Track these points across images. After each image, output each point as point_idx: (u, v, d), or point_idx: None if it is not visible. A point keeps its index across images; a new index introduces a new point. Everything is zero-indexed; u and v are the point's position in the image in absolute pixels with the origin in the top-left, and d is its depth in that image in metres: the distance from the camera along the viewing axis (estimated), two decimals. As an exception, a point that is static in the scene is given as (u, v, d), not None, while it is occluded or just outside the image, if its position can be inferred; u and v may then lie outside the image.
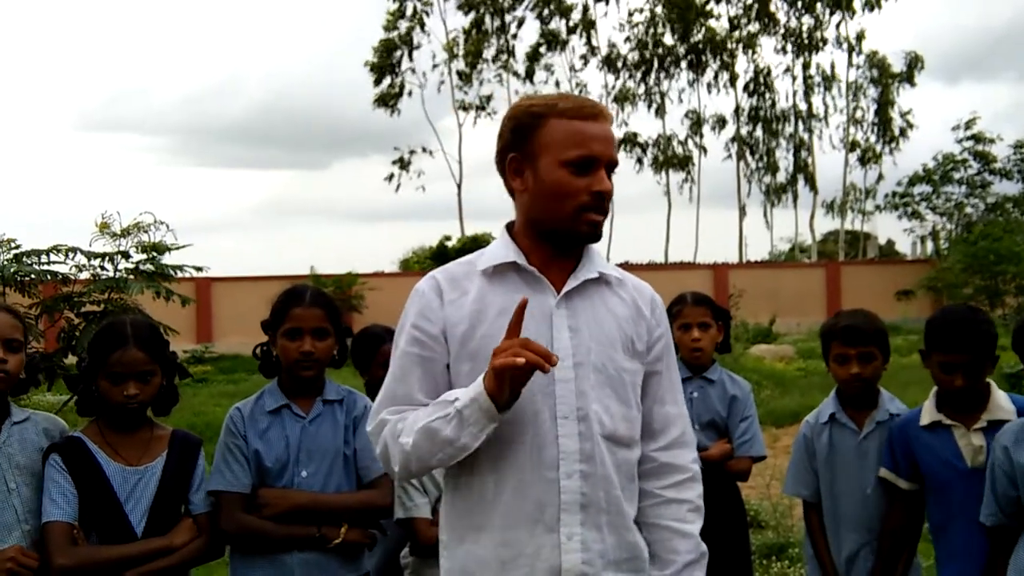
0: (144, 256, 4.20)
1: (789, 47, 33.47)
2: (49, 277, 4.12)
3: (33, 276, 4.06)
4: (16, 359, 2.23)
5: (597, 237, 1.78)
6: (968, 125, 28.49)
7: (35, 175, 55.54)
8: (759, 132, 34.73)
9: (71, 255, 4.08)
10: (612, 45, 34.14)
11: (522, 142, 1.77)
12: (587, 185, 1.72)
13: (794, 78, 33.84)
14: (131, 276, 4.13)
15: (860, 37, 33.07)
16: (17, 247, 4.13)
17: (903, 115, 33.82)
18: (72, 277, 4.18)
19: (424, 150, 33.42)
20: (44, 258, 4.08)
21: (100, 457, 2.24)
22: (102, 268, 4.16)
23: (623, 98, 34.29)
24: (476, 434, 1.63)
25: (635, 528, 1.79)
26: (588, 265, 1.80)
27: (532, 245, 1.79)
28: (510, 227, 1.84)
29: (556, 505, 1.70)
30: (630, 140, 34.79)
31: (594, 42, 33.77)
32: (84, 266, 4.13)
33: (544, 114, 1.75)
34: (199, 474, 2.35)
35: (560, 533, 1.69)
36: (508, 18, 33.11)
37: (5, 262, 4.03)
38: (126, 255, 4.19)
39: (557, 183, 1.73)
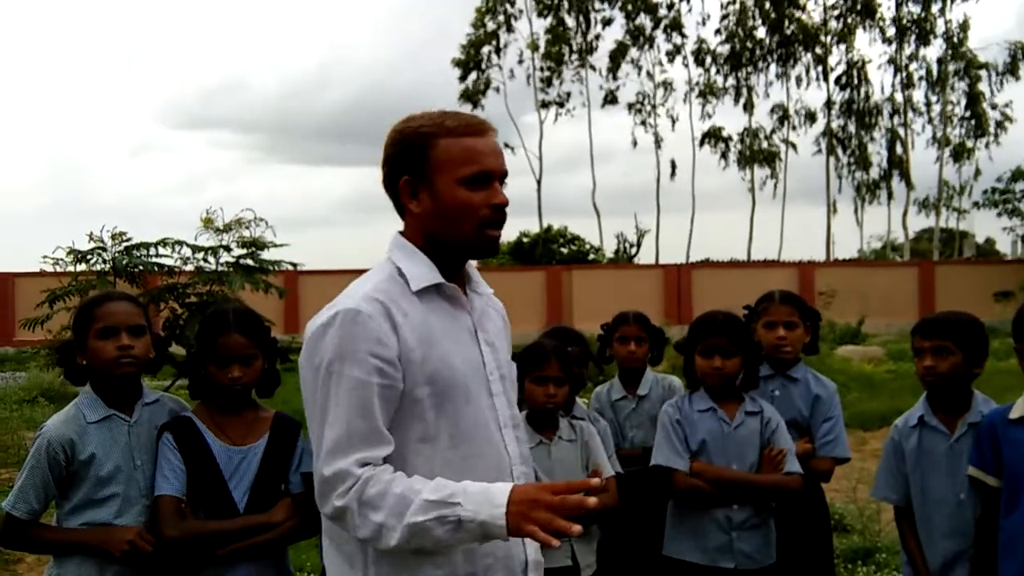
0: (244, 251, 4.40)
1: (892, 37, 32.19)
2: (156, 269, 4.35)
3: (142, 267, 4.30)
4: (142, 343, 2.39)
5: (495, 251, 1.83)
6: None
7: (131, 169, 58.27)
8: (851, 126, 33.61)
9: (177, 248, 4.31)
10: (701, 40, 33.61)
11: (414, 164, 1.76)
12: (485, 200, 1.74)
13: (897, 70, 32.57)
14: (231, 269, 4.34)
15: (964, 27, 31.61)
16: (128, 240, 4.38)
17: (999, 108, 32.17)
18: (177, 269, 4.41)
19: (507, 146, 33.64)
20: (152, 251, 4.31)
21: (208, 437, 2.37)
22: (205, 261, 4.37)
23: (708, 92, 33.71)
24: (466, 541, 1.60)
25: None
26: (476, 279, 1.89)
27: (439, 263, 1.80)
28: (406, 241, 1.81)
29: None
30: (714, 135, 34.19)
31: (680, 38, 33.29)
32: (189, 259, 4.35)
33: (434, 134, 1.75)
34: (298, 455, 2.46)
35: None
36: (593, 17, 32.98)
37: (117, 254, 4.28)
38: (227, 249, 4.40)
39: (457, 201, 1.74)
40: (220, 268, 4.40)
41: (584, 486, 1.54)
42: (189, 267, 4.47)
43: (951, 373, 2.66)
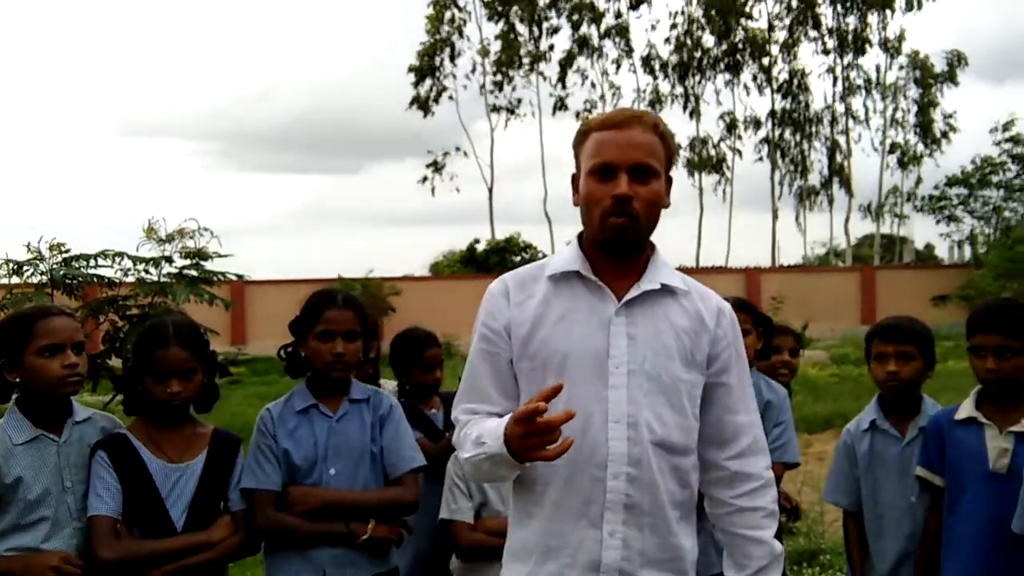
0: (188, 261, 4.31)
1: (831, 47, 33.08)
2: (96, 280, 4.24)
3: (81, 279, 4.19)
4: (84, 360, 2.34)
5: (622, 240, 1.80)
6: (1006, 127, 27.94)
7: (81, 180, 56.77)
8: (793, 134, 34.39)
9: (118, 259, 4.20)
10: (651, 45, 34.07)
11: (576, 161, 1.88)
12: (608, 191, 1.78)
13: (835, 79, 33.46)
14: (174, 281, 4.25)
15: (901, 37, 32.64)
16: (67, 251, 4.26)
17: (946, 117, 33.29)
18: (118, 281, 4.30)
19: (458, 150, 33.66)
20: (92, 262, 4.20)
21: (144, 454, 2.32)
22: (147, 272, 4.28)
23: (656, 100, 34.17)
24: (511, 470, 1.74)
25: (681, 531, 1.84)
26: (652, 276, 1.84)
27: (596, 255, 1.85)
28: (580, 236, 1.91)
29: (601, 503, 1.77)
30: (662, 143, 34.55)
31: (629, 46, 33.70)
32: (130, 270, 4.25)
33: (587, 131, 1.86)
34: (238, 472, 2.42)
35: (603, 529, 1.77)
36: (543, 25, 33.20)
37: (55, 265, 4.16)
38: (170, 260, 4.31)
39: (587, 193, 1.82)
40: (163, 279, 4.29)
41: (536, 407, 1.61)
42: (131, 278, 4.35)
43: (913, 378, 2.71)
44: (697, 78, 33.88)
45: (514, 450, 1.65)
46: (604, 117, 1.86)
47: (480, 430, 1.76)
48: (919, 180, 33.19)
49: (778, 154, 34.26)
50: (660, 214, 1.86)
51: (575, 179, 1.89)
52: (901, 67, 33.18)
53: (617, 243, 1.81)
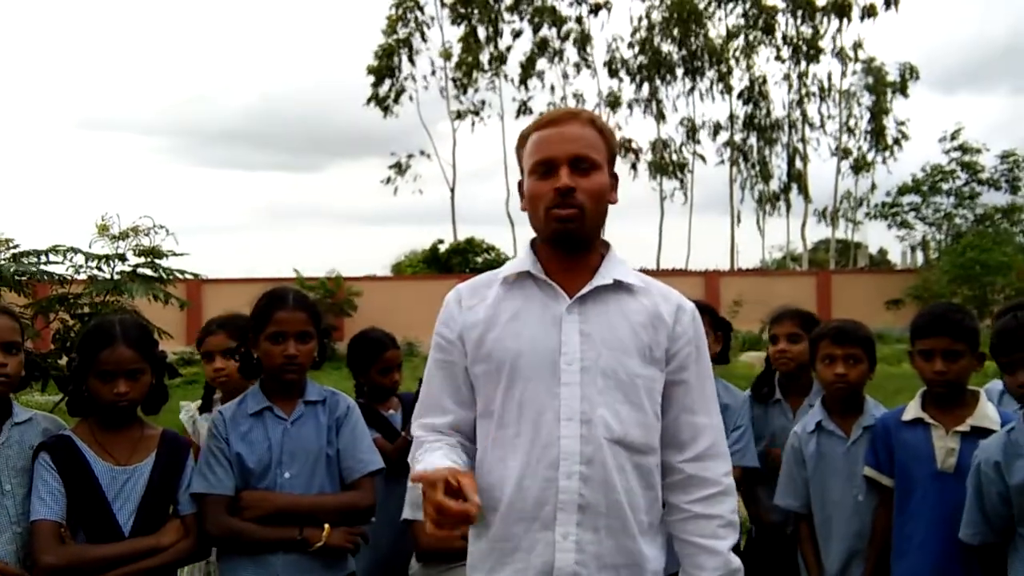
0: (142, 260, 4.20)
1: (786, 55, 33.65)
2: (46, 278, 4.11)
3: (30, 276, 4.06)
4: (15, 361, 2.25)
5: (569, 232, 1.78)
6: (954, 136, 28.66)
7: (34, 174, 55.34)
8: (753, 140, 34.90)
9: (70, 256, 4.08)
10: (614, 49, 34.28)
11: (520, 166, 1.88)
12: (550, 186, 1.78)
13: (790, 86, 34.03)
14: (128, 279, 4.14)
15: (857, 46, 33.28)
16: (16, 247, 4.12)
17: (898, 125, 34.04)
18: (70, 278, 4.18)
19: (422, 153, 33.53)
20: (43, 258, 4.07)
21: (89, 456, 2.26)
22: (99, 270, 4.16)
23: (616, 103, 34.40)
24: None
25: (640, 535, 1.77)
26: (605, 272, 1.82)
27: (549, 256, 1.85)
28: (533, 241, 1.91)
29: (553, 504, 1.73)
30: (625, 146, 34.87)
31: (588, 50, 33.89)
32: (82, 267, 4.13)
33: (527, 135, 1.87)
34: (187, 475, 2.37)
35: (556, 532, 1.72)
36: (503, 27, 33.24)
37: (3, 261, 4.03)
38: (123, 258, 4.19)
39: (529, 191, 1.83)
40: (116, 277, 4.18)
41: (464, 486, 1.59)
42: (83, 276, 4.23)
43: (860, 380, 2.77)
44: (658, 83, 34.20)
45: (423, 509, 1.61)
46: (542, 117, 1.87)
47: (424, 459, 1.76)
48: (873, 186, 33.93)
49: (740, 159, 34.72)
50: (607, 209, 1.84)
51: (521, 185, 1.88)
52: (854, 73, 33.86)
53: (564, 236, 1.79)
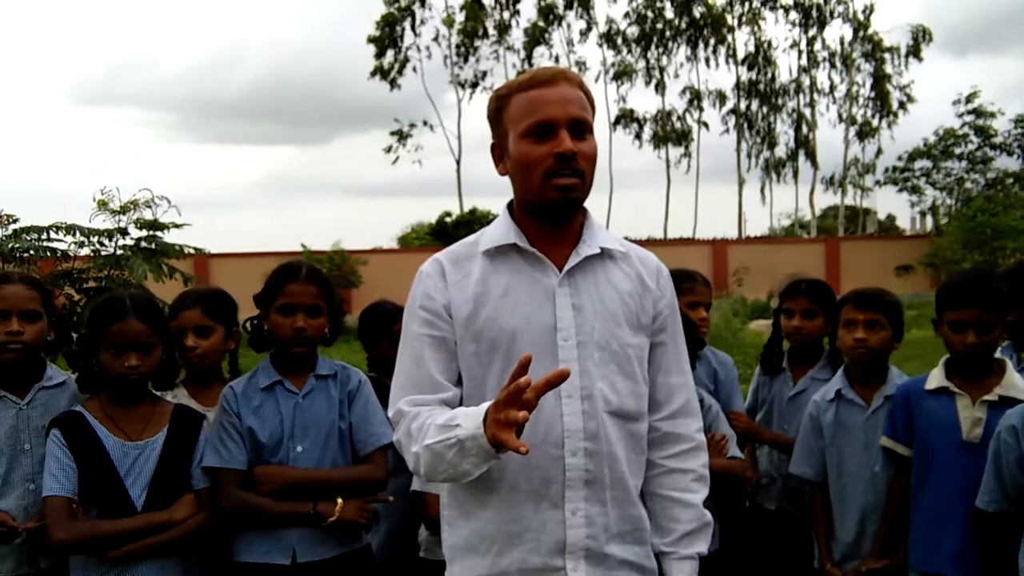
0: (143, 233, 4.17)
1: (796, 20, 33.20)
2: (49, 254, 4.09)
3: (32, 252, 4.04)
4: (33, 328, 2.29)
5: (571, 201, 1.72)
6: (969, 99, 28.33)
7: (33, 149, 55.28)
8: (759, 106, 34.56)
9: (71, 232, 4.06)
10: (611, 20, 33.89)
11: (496, 127, 1.78)
12: (549, 150, 1.68)
13: (800, 52, 33.62)
14: (131, 254, 4.11)
15: (869, 10, 32.80)
16: (16, 222, 4.10)
17: (902, 89, 33.65)
18: (72, 254, 4.16)
19: (425, 124, 33.36)
20: (44, 235, 4.05)
21: (100, 431, 2.25)
22: (101, 245, 4.13)
23: (622, 73, 34.07)
24: (477, 464, 1.58)
25: (638, 500, 1.80)
26: (590, 240, 1.77)
27: (530, 223, 1.77)
28: (511, 206, 1.82)
29: (561, 482, 1.71)
30: (628, 116, 34.60)
31: (591, 16, 33.50)
32: (84, 243, 4.11)
33: (507, 94, 1.76)
34: (200, 449, 2.35)
35: (565, 509, 1.71)
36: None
37: (4, 238, 4.01)
38: (124, 232, 4.17)
39: (521, 156, 1.71)
40: (118, 252, 4.15)
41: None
42: (85, 251, 4.21)
43: (882, 348, 2.71)
44: (660, 51, 33.82)
45: (489, 430, 1.50)
46: (527, 76, 1.75)
47: (449, 414, 1.62)
48: (879, 152, 33.64)
49: (745, 126, 34.43)
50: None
51: (495, 148, 1.80)
52: (860, 40, 33.38)
53: (564, 205, 1.72)
